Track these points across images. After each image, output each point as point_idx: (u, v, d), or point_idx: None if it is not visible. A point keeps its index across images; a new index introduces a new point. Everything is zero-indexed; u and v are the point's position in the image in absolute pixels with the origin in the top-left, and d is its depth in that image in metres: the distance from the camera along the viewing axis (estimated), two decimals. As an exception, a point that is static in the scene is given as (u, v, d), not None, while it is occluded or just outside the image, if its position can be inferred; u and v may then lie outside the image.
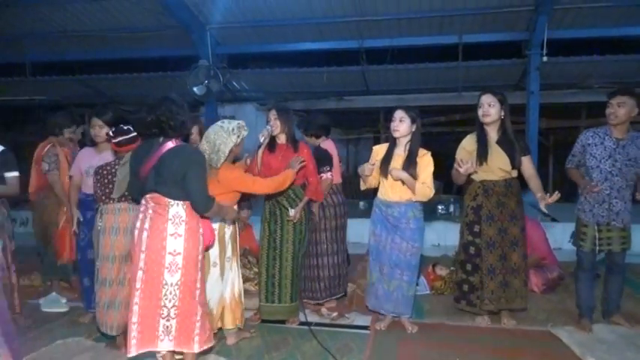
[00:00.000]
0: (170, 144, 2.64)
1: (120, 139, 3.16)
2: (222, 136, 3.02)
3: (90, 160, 3.62)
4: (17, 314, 3.70)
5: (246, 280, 4.14)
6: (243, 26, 7.71)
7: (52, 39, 8.28)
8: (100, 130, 3.51)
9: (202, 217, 2.75)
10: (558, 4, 6.62)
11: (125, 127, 3.22)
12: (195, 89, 7.32)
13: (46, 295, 4.22)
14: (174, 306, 2.61)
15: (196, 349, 2.68)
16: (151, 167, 2.62)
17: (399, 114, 3.42)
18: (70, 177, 3.79)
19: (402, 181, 3.37)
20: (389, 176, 3.43)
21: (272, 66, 9.01)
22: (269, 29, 7.77)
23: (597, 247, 3.39)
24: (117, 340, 3.28)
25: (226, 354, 3.17)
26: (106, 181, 3.23)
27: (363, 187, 3.62)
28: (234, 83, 9.24)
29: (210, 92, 7.43)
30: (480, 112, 3.46)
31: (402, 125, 3.40)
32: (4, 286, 3.53)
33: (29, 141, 11.74)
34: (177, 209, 2.63)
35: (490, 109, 3.41)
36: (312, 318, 3.74)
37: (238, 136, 3.08)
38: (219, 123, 3.12)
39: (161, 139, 2.66)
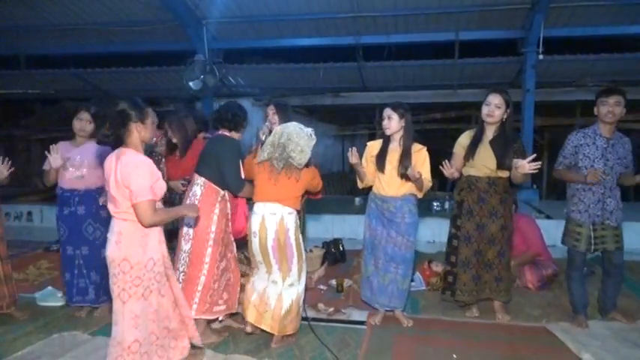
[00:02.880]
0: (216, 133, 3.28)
1: None
2: (305, 138, 3.12)
3: (66, 153, 3.67)
4: (11, 310, 3.70)
5: (242, 275, 4.13)
6: (239, 21, 7.69)
7: (47, 32, 8.23)
8: (88, 124, 3.65)
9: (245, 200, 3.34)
10: (555, 2, 6.65)
11: None
12: (191, 84, 7.30)
13: (41, 289, 4.22)
14: (183, 272, 3.16)
15: (193, 314, 3.06)
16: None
17: (386, 112, 3.46)
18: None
19: (403, 177, 3.39)
20: (385, 171, 3.45)
21: (268, 61, 9.01)
22: (265, 25, 7.76)
23: (592, 247, 3.39)
24: None
25: (224, 349, 3.17)
26: None
27: (360, 185, 3.65)
28: (230, 78, 9.22)
29: (206, 87, 7.41)
30: (485, 111, 3.45)
31: (391, 122, 3.44)
32: (5, 277, 3.64)
33: (23, 134, 11.76)
34: (196, 188, 3.18)
35: (496, 111, 3.41)
36: (309, 313, 3.75)
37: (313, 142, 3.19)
38: (294, 124, 3.19)
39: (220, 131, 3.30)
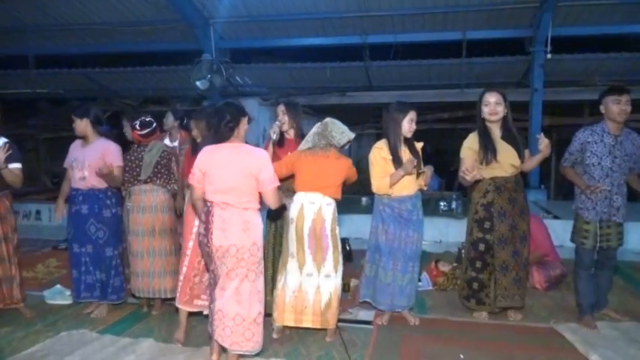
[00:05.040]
0: None
1: (145, 131, 3.68)
2: (347, 131, 3.34)
3: (74, 153, 3.74)
4: (19, 306, 3.73)
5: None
6: (246, 21, 7.70)
7: (55, 32, 8.28)
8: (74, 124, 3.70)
9: None
10: (563, 1, 6.61)
11: (147, 119, 3.72)
12: (198, 83, 7.33)
13: (50, 288, 4.24)
14: None
15: (176, 303, 3.35)
16: None
17: (415, 116, 3.41)
18: (66, 169, 3.88)
19: (418, 174, 3.44)
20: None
21: (275, 61, 9.02)
22: (272, 24, 7.77)
23: (598, 244, 3.39)
24: (155, 302, 3.85)
25: (230, 347, 3.18)
26: (133, 165, 3.70)
27: (389, 191, 3.44)
28: (237, 78, 9.24)
29: (213, 87, 7.44)
30: (486, 110, 3.45)
31: (415, 126, 3.45)
32: (5, 278, 3.61)
33: (31, 133, 11.84)
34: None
35: (497, 108, 3.41)
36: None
37: (348, 141, 3.36)
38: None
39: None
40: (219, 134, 2.78)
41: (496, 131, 3.50)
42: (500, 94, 3.44)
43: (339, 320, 3.64)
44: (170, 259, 3.72)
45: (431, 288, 4.41)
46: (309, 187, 3.22)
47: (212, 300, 2.86)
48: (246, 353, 2.81)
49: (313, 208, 3.19)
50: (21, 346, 3.21)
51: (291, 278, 3.27)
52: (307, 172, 3.24)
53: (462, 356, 3.06)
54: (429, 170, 3.43)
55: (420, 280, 4.39)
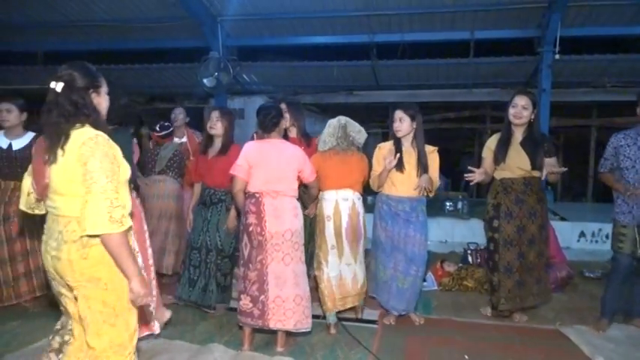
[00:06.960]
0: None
1: (163, 133, 4.33)
2: (362, 129, 3.57)
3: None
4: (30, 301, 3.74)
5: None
6: (254, 19, 7.69)
7: (63, 29, 8.30)
8: (7, 114, 3.80)
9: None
10: (572, 1, 6.56)
11: (166, 124, 4.35)
12: (205, 81, 7.33)
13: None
14: None
15: None
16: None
17: (397, 114, 3.42)
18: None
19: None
20: (404, 172, 3.41)
21: (282, 59, 9.00)
22: (280, 22, 7.76)
23: (639, 250, 3.29)
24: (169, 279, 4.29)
25: (235, 345, 3.19)
26: (149, 159, 4.34)
27: (376, 188, 3.59)
28: (244, 76, 9.22)
29: (220, 84, 7.43)
30: (511, 112, 3.44)
31: (402, 125, 3.41)
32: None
33: (39, 129, 11.90)
34: None
35: (524, 112, 3.40)
36: (320, 311, 3.75)
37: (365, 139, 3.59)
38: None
39: None
40: (264, 127, 3.11)
41: (518, 135, 3.48)
42: (530, 99, 3.41)
43: (345, 319, 3.65)
44: (175, 240, 4.23)
45: (436, 288, 4.41)
46: (340, 185, 3.40)
47: (262, 291, 2.98)
48: (305, 330, 3.10)
49: (347, 204, 3.40)
50: (30, 339, 3.22)
51: (332, 270, 3.44)
52: (336, 170, 3.40)
53: (466, 357, 3.06)
54: (422, 180, 3.37)
55: (425, 281, 4.41)
